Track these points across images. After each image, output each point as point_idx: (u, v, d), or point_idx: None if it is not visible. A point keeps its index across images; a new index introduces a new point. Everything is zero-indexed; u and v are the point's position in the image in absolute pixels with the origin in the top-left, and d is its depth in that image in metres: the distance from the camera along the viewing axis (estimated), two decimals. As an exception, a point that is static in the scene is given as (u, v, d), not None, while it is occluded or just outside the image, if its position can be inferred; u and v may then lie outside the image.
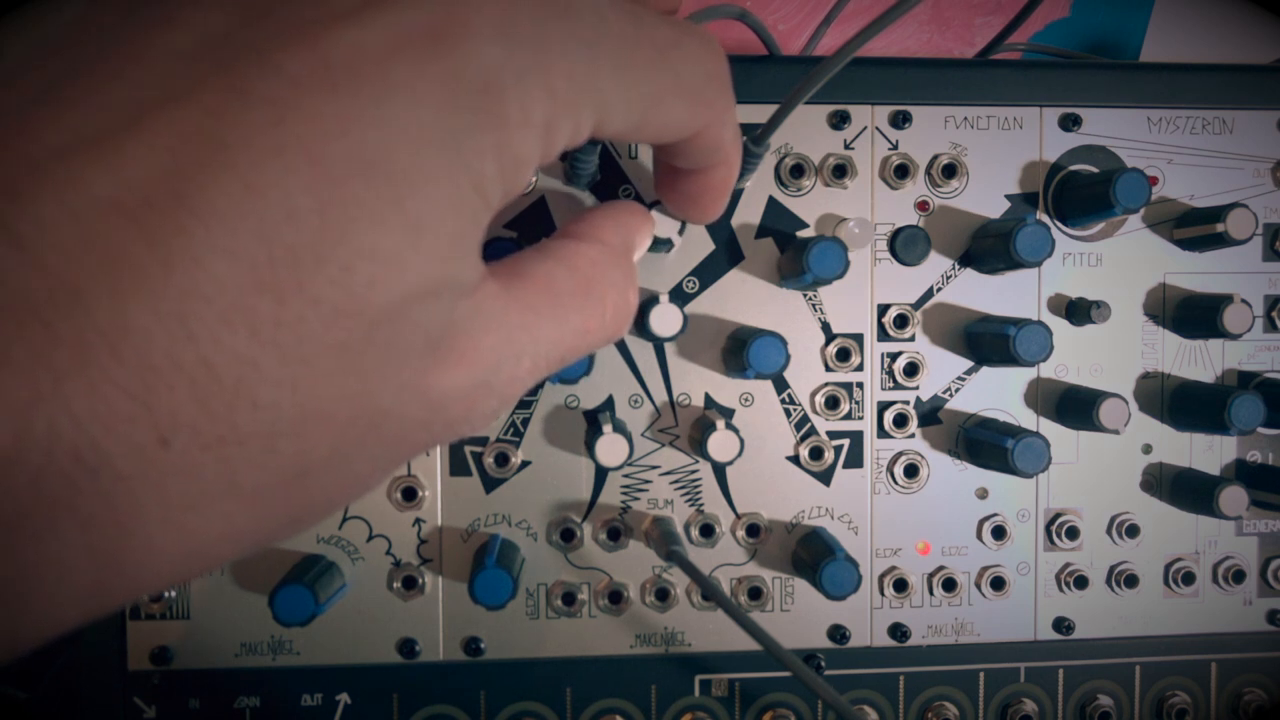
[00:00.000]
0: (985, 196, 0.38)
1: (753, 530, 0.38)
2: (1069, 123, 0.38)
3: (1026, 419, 0.39)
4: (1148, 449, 0.39)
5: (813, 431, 0.38)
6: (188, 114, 0.15)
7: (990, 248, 0.37)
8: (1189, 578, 0.39)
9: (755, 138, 0.33)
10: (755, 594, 0.38)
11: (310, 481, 0.17)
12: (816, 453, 0.38)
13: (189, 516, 0.16)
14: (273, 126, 0.15)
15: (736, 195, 0.37)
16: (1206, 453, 0.39)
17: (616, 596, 0.38)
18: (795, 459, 0.38)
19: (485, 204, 0.18)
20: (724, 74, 0.23)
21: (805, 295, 0.37)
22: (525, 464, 0.37)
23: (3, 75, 0.17)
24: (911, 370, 0.38)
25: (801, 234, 0.37)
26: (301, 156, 0.16)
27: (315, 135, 0.16)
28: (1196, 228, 0.38)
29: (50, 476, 0.14)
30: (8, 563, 0.15)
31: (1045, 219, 0.38)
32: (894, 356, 0.38)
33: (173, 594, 0.36)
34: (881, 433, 0.38)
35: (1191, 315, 0.38)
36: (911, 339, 0.38)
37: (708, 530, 0.37)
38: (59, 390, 0.14)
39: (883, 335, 0.38)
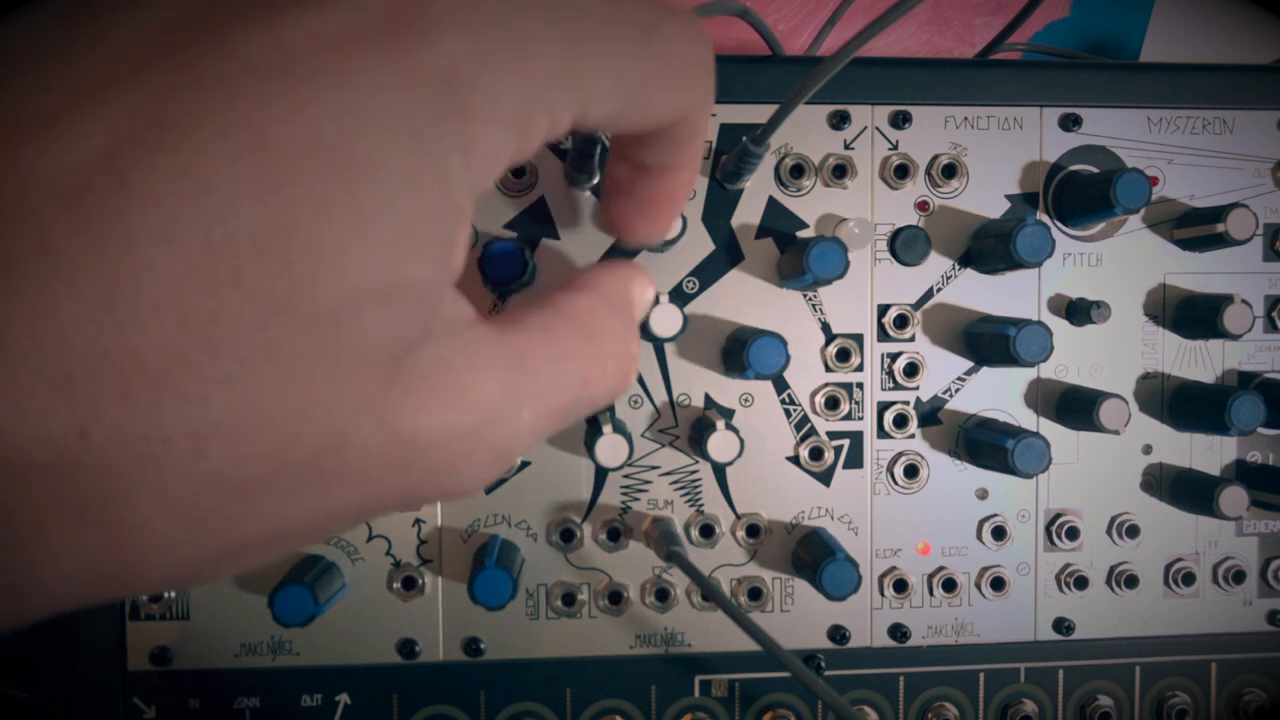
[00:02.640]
0: (985, 196, 0.38)
1: (753, 530, 0.38)
2: (1069, 123, 0.38)
3: (1026, 419, 0.39)
4: (1148, 449, 0.39)
5: (813, 432, 0.38)
6: (133, 96, 0.15)
7: (990, 248, 0.37)
8: (1189, 578, 0.39)
9: (755, 138, 0.33)
10: (755, 594, 0.38)
11: (252, 503, 0.16)
12: (816, 453, 0.38)
13: (108, 518, 0.15)
14: (221, 110, 0.15)
15: (736, 195, 0.37)
16: (1206, 453, 0.39)
17: (616, 597, 0.38)
18: (795, 459, 0.38)
19: (451, 203, 0.17)
20: (709, 56, 0.22)
21: (805, 295, 0.37)
22: (525, 464, 0.37)
23: None
24: (911, 370, 0.38)
25: (801, 234, 0.37)
26: (248, 141, 0.15)
27: (265, 120, 0.15)
28: (1196, 228, 0.38)
29: None
30: None
31: (1045, 219, 0.38)
32: (894, 357, 0.38)
33: (173, 594, 0.36)
34: (881, 433, 0.38)
35: (1191, 315, 0.38)
36: (911, 339, 0.38)
37: (708, 531, 0.37)
38: None
39: (883, 335, 0.38)
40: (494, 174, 0.18)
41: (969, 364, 0.38)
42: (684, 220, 0.33)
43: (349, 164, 0.16)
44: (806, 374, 0.38)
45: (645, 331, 0.34)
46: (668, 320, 0.34)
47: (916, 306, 0.38)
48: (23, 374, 0.14)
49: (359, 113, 0.16)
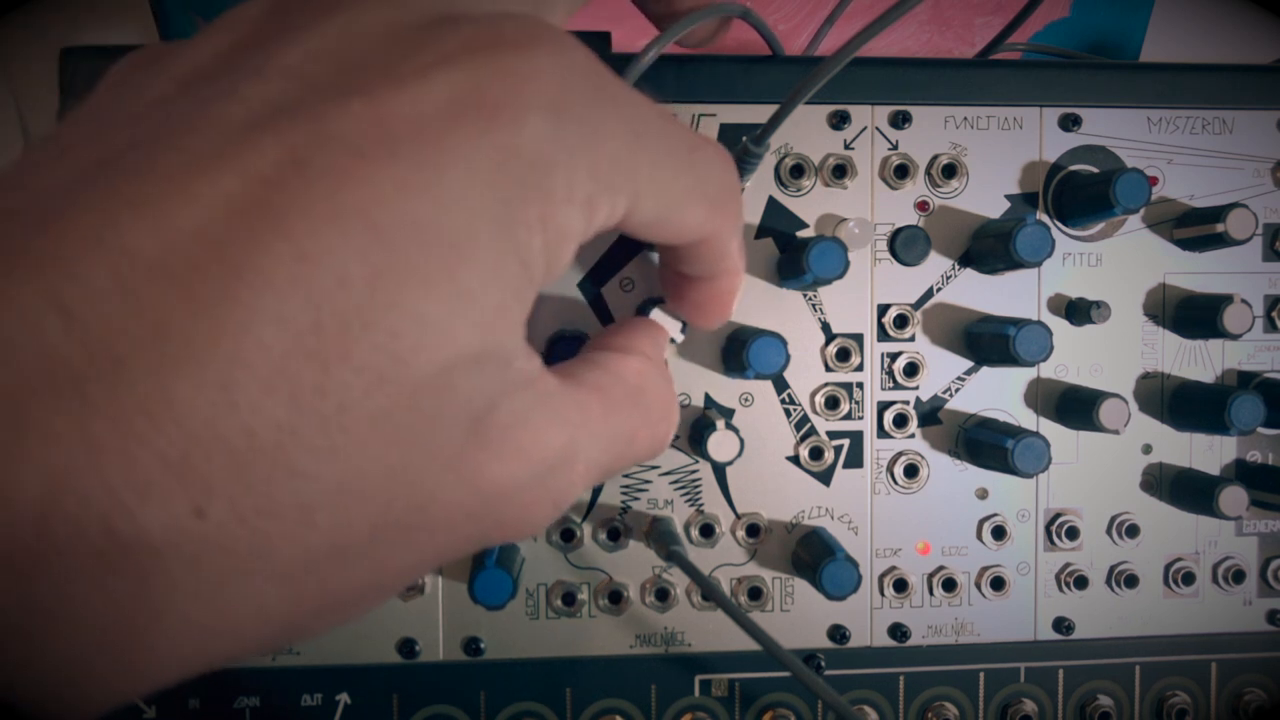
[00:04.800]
0: (985, 196, 0.38)
1: (752, 530, 0.38)
2: (1069, 123, 0.38)
3: (1026, 419, 0.39)
4: (1148, 449, 0.39)
5: (813, 431, 0.38)
6: (240, 179, 0.15)
7: (990, 248, 0.37)
8: (1189, 578, 0.39)
9: (755, 138, 0.33)
10: (755, 594, 0.38)
11: (348, 564, 0.17)
12: (816, 453, 0.38)
13: (221, 593, 0.15)
14: (329, 194, 0.15)
15: (736, 195, 0.37)
16: (1206, 453, 0.39)
17: (616, 596, 0.38)
18: (795, 459, 0.38)
19: (529, 278, 0.18)
20: (737, 186, 0.24)
21: (805, 295, 0.38)
22: (525, 464, 0.37)
23: (59, 146, 0.17)
24: (911, 370, 0.38)
25: (801, 234, 0.37)
26: (357, 224, 0.15)
27: (371, 202, 0.16)
28: (1196, 228, 0.38)
29: (80, 551, 0.14)
30: (30, 650, 0.14)
31: (1045, 219, 0.38)
32: (894, 356, 0.38)
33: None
34: (881, 433, 0.38)
35: (1191, 315, 0.38)
36: (911, 339, 0.38)
37: (708, 530, 0.37)
38: (93, 460, 0.14)
39: (883, 335, 0.38)
40: (566, 253, 0.19)
41: (969, 364, 0.38)
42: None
43: (447, 242, 0.16)
44: (806, 374, 0.38)
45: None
46: (667, 322, 0.34)
47: (916, 306, 0.38)
48: (142, 457, 0.14)
49: (457, 193, 0.16)
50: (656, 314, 0.31)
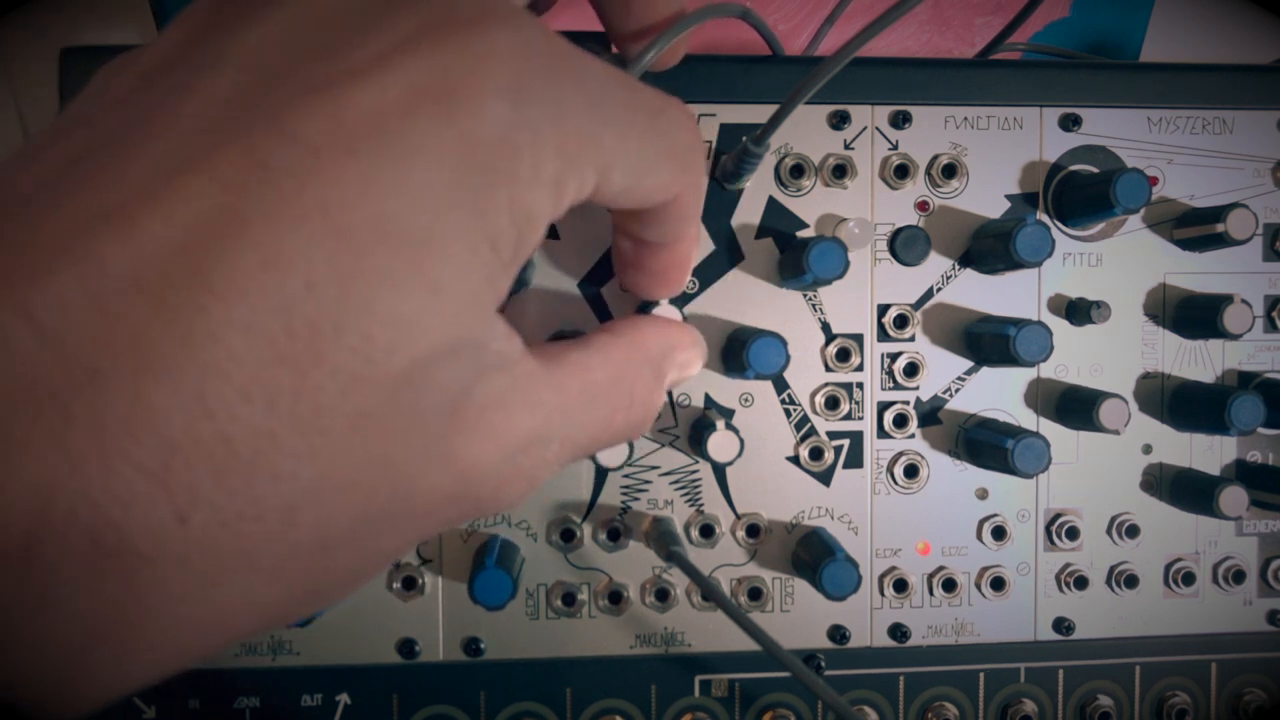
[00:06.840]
0: (985, 196, 0.38)
1: (752, 530, 0.38)
2: (1069, 123, 0.38)
3: (1026, 419, 0.39)
4: (1148, 449, 0.39)
5: (813, 432, 0.38)
6: (205, 187, 0.15)
7: (990, 248, 0.37)
8: (1189, 578, 0.39)
9: (755, 138, 0.33)
10: (755, 594, 0.38)
11: (333, 554, 0.17)
12: (816, 453, 0.38)
13: (210, 593, 0.16)
14: (292, 197, 0.15)
15: (736, 196, 0.37)
16: (1206, 453, 0.39)
17: (616, 597, 0.38)
18: (795, 459, 0.38)
19: (500, 262, 0.18)
20: (701, 142, 0.24)
21: (805, 295, 0.37)
22: (525, 464, 0.37)
23: (27, 154, 0.16)
24: (911, 370, 0.38)
25: (801, 234, 0.37)
26: (322, 226, 0.15)
27: (336, 204, 0.15)
28: (1196, 228, 0.38)
29: (69, 561, 0.14)
30: (27, 654, 0.14)
31: (1045, 219, 0.38)
32: (894, 357, 0.38)
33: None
34: (881, 433, 0.38)
35: (1191, 315, 0.38)
36: (911, 339, 0.38)
37: (708, 530, 0.37)
38: (76, 473, 0.14)
39: (883, 335, 0.38)
40: (535, 233, 0.19)
41: (969, 364, 0.38)
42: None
43: (417, 239, 0.16)
44: (806, 374, 0.38)
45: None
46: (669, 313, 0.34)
47: (916, 306, 0.38)
48: (123, 469, 0.14)
49: (422, 186, 0.16)
50: (658, 311, 0.31)
